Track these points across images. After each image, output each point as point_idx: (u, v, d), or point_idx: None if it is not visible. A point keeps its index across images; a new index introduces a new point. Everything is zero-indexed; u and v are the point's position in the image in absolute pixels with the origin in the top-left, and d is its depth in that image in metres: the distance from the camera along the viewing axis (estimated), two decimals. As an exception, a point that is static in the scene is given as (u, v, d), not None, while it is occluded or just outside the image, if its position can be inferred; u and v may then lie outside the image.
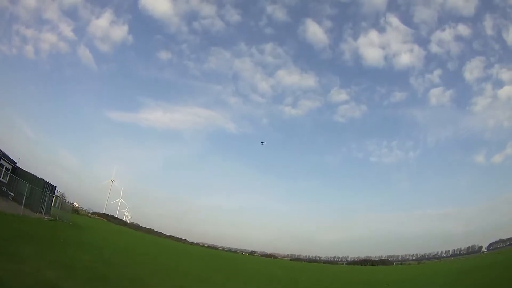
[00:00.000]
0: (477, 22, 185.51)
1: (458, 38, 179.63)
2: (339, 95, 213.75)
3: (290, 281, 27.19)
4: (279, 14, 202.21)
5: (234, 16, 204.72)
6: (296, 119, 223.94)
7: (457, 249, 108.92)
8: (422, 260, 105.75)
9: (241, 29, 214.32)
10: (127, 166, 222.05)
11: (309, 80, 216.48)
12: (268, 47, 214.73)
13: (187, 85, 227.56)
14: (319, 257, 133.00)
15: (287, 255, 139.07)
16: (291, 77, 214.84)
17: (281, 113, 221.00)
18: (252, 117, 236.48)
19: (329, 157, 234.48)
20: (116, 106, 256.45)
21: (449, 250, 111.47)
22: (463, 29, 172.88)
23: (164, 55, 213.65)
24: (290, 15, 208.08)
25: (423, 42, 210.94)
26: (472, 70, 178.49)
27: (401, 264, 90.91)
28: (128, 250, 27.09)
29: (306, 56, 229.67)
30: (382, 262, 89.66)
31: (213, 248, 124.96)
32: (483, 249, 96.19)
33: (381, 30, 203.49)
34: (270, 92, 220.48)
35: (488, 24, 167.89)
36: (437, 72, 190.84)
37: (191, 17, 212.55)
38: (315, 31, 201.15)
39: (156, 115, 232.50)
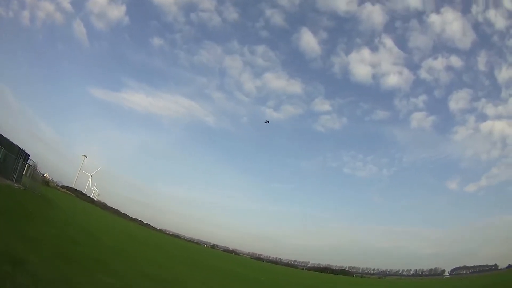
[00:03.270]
0: (471, 56, 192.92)
1: (449, 68, 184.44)
2: (323, 105, 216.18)
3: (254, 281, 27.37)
4: (277, 18, 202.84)
5: (232, 14, 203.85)
6: (277, 122, 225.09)
7: (419, 269, 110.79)
8: (382, 275, 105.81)
9: (237, 27, 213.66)
10: (102, 143, 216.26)
11: (295, 87, 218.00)
12: (260, 48, 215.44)
13: (174, 74, 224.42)
14: (280, 259, 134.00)
15: (249, 252, 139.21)
16: (278, 81, 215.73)
17: (262, 114, 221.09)
18: (233, 114, 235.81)
19: (304, 163, 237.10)
20: (100, 84, 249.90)
21: (410, 269, 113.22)
22: (456, 61, 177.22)
23: (157, 41, 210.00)
24: (287, 21, 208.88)
25: (413, 66, 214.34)
26: (458, 101, 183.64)
27: (361, 276, 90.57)
28: (94, 230, 26.24)
29: (296, 63, 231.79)
30: (342, 272, 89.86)
31: (176, 236, 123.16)
32: (446, 273, 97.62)
33: (374, 49, 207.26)
34: (254, 92, 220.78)
35: (482, 60, 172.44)
36: (422, 97, 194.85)
37: (190, 8, 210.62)
38: (309, 40, 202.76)
39: (139, 97, 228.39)
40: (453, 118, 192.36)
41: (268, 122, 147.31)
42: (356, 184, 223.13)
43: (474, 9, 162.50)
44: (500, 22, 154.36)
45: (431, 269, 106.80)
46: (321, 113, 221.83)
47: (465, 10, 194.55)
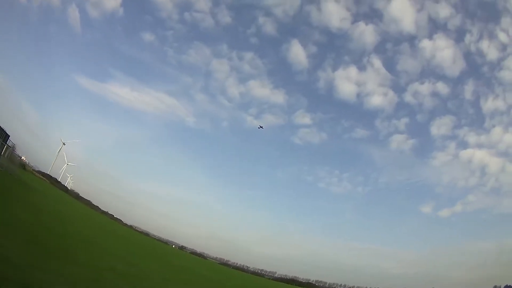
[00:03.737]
0: (458, 84, 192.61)
1: (435, 94, 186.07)
2: (304, 118, 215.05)
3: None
4: (269, 27, 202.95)
5: (225, 17, 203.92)
6: (256, 130, 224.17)
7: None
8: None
9: (229, 31, 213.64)
10: (82, 132, 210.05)
11: (279, 97, 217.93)
12: (249, 55, 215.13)
13: (161, 70, 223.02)
14: (247, 266, 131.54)
15: (216, 257, 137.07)
16: (262, 90, 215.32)
17: (243, 121, 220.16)
18: (213, 117, 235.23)
19: (279, 173, 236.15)
20: (88, 73, 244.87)
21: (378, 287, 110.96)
22: (442, 87, 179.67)
23: (148, 36, 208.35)
24: (278, 31, 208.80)
25: (399, 89, 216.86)
26: (440, 127, 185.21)
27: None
28: (68, 219, 26.16)
29: (282, 74, 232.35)
30: (309, 285, 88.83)
31: (145, 234, 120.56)
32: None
33: (362, 68, 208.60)
34: (237, 98, 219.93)
35: (469, 89, 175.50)
36: (405, 120, 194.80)
37: (185, 7, 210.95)
38: (297, 53, 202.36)
39: (124, 91, 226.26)
40: (433, 143, 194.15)
41: (261, 127, 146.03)
42: (330, 199, 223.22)
43: (468, 38, 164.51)
44: (492, 54, 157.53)
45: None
46: (301, 126, 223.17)
47: (459, 38, 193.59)
